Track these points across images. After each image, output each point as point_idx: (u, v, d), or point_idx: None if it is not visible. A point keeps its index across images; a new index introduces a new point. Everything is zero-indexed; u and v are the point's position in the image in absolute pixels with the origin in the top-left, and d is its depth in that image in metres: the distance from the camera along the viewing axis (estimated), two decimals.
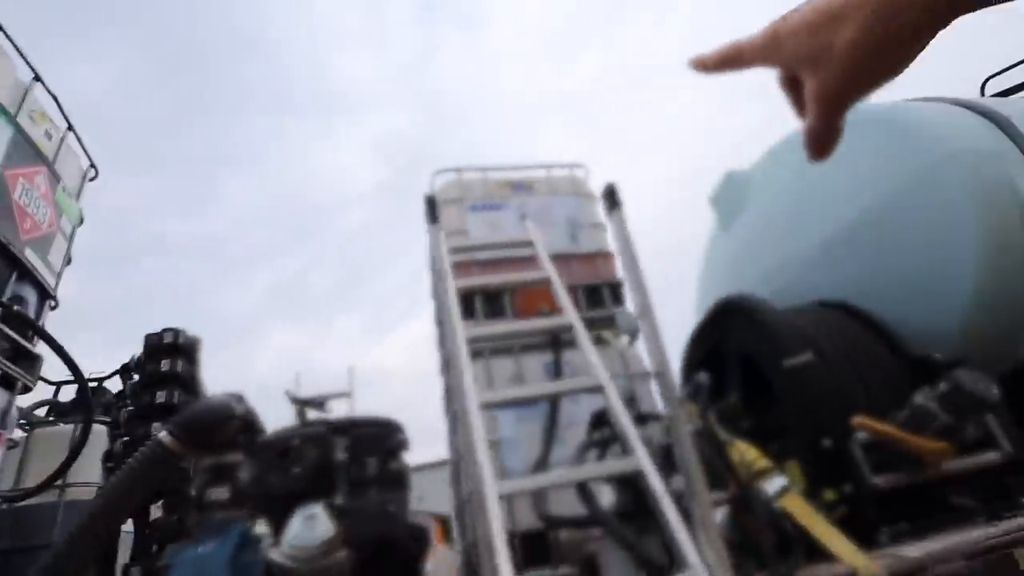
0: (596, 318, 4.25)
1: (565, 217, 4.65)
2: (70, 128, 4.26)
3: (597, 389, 2.34)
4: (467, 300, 4.46)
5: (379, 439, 2.11)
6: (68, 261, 4.23)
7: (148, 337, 3.31)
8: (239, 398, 2.57)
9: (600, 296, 4.35)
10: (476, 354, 4.47)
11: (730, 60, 0.51)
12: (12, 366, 3.43)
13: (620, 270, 4.68)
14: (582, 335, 2.65)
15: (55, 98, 4.09)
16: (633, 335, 4.42)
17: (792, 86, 0.49)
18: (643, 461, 1.96)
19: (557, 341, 3.98)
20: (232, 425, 2.43)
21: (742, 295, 3.38)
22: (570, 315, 2.79)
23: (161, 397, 3.09)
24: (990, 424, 2.40)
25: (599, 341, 4.06)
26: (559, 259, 4.71)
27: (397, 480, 2.07)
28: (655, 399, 4.08)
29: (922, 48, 0.41)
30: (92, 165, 4.61)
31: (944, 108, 3.65)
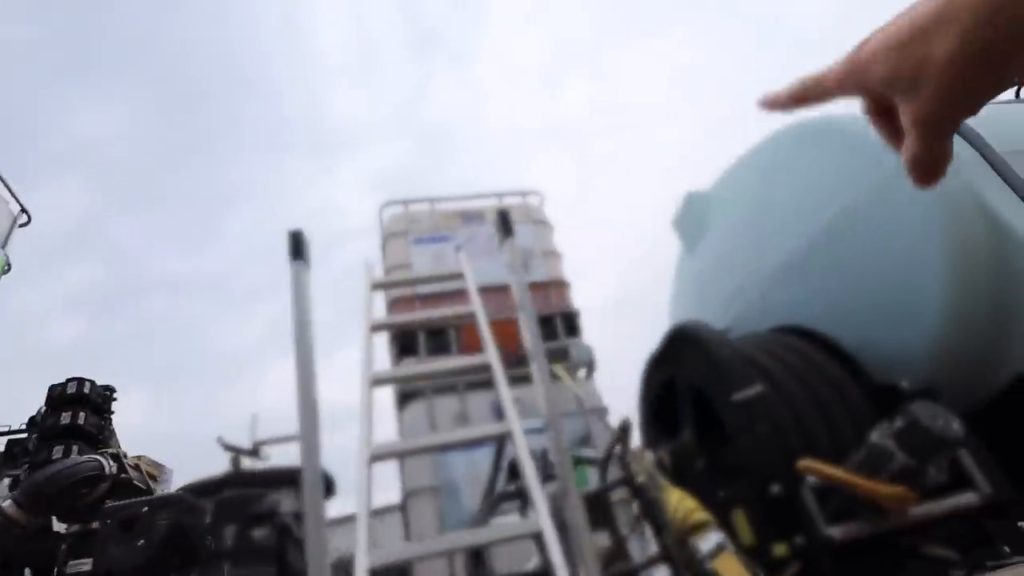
0: (547, 351, 3.97)
1: (516, 246, 4.44)
2: None
3: (503, 436, 2.05)
4: (410, 337, 4.21)
5: (245, 503, 1.81)
6: None
7: (51, 388, 3.03)
8: (106, 459, 2.28)
9: (553, 327, 4.09)
10: (416, 394, 4.19)
11: (808, 94, 0.46)
12: None
13: (573, 300, 4.44)
14: (499, 375, 2.37)
15: None
16: (589, 368, 4.14)
17: (881, 114, 0.44)
18: (543, 521, 1.66)
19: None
20: (88, 489, 2.13)
21: (691, 323, 3.12)
22: (489, 353, 2.52)
23: (58, 452, 2.79)
24: (964, 462, 2.11)
25: (550, 377, 3.78)
26: (508, 290, 4.48)
27: (258, 552, 1.76)
28: (608, 437, 3.77)
29: None
30: (23, 210, 4.42)
31: None
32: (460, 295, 4.38)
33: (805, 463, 1.95)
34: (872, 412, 2.57)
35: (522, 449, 1.96)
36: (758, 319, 3.64)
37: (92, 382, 3.11)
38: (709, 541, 1.86)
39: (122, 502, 1.83)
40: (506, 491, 2.08)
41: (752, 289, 3.86)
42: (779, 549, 2.01)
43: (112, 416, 3.21)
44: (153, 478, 3.14)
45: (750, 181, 4.09)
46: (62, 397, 2.96)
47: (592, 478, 3.49)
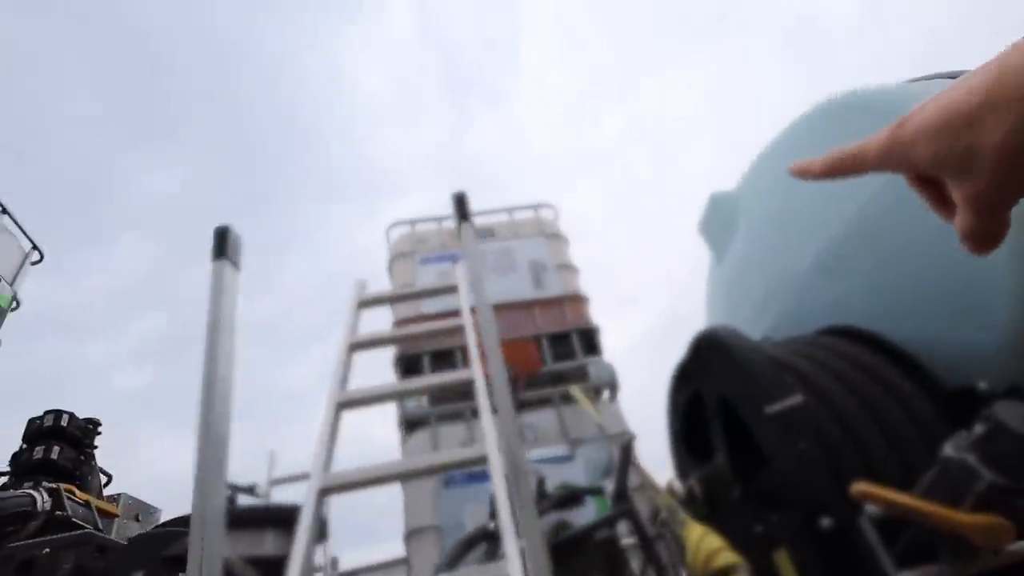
0: (563, 371, 3.62)
1: (528, 261, 4.15)
2: (3, 211, 4.14)
3: (479, 461, 1.72)
4: (414, 360, 3.94)
5: (159, 544, 1.53)
6: None
7: (29, 422, 2.90)
8: (40, 494, 2.06)
9: (569, 345, 3.74)
10: (420, 423, 3.88)
11: (846, 166, 0.47)
12: None
13: (592, 315, 4.07)
14: (482, 394, 2.05)
15: None
16: (612, 389, 3.73)
17: (927, 185, 0.45)
18: (512, 570, 1.32)
19: (515, 403, 3.35)
20: (16, 527, 1.90)
21: (715, 327, 2.73)
22: (473, 369, 2.21)
23: (28, 487, 2.62)
24: None
25: (565, 399, 3.42)
26: (520, 307, 4.19)
27: None
28: (640, 467, 3.34)
29: None
30: (35, 247, 4.46)
31: (943, 86, 3.05)
32: (470, 315, 4.11)
33: (861, 487, 1.55)
34: (944, 422, 2.11)
35: (497, 478, 1.62)
36: (795, 326, 3.20)
37: (71, 415, 2.97)
38: None
39: (22, 543, 1.58)
40: (475, 533, 1.73)
41: (786, 292, 3.43)
42: None
43: (94, 450, 3.05)
44: (135, 518, 2.94)
45: (776, 171, 3.71)
46: (38, 431, 2.83)
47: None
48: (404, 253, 4.31)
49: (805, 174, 0.49)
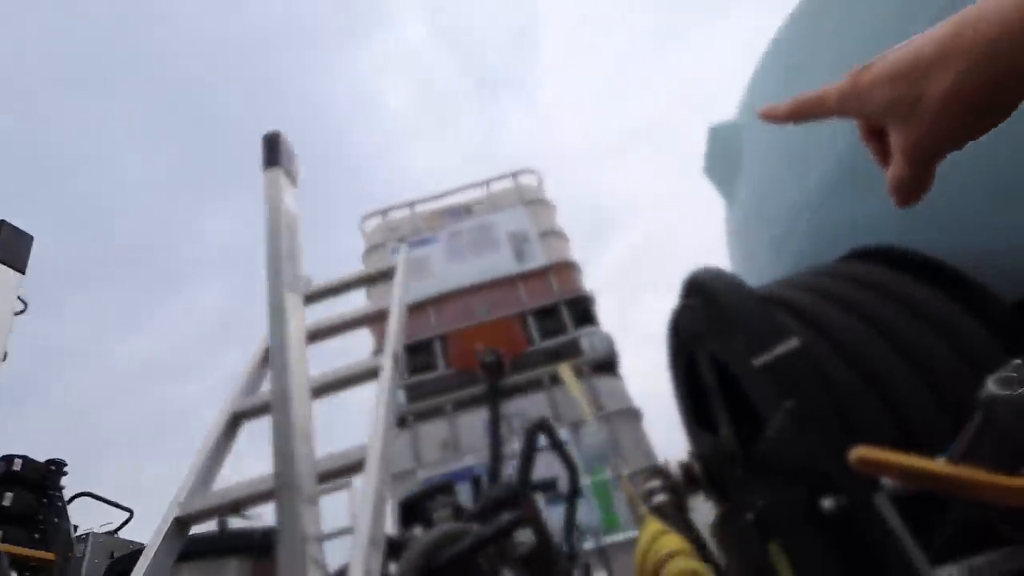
0: (554, 348, 3.20)
1: (508, 234, 3.74)
2: None
3: (359, 466, 1.35)
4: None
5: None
6: None
7: None
8: None
9: (558, 318, 3.32)
10: (401, 421, 3.55)
11: (808, 110, 0.50)
12: None
13: (583, 283, 3.60)
14: (386, 380, 1.67)
15: None
16: (610, 360, 3.27)
17: (875, 136, 0.49)
18: None
19: (495, 391, 2.96)
20: None
21: (696, 271, 2.23)
22: (387, 352, 1.83)
23: None
24: None
25: (556, 380, 3.00)
26: (503, 284, 3.79)
27: None
28: (641, 442, 2.88)
29: (1020, 100, 0.40)
30: (19, 298, 4.43)
31: None
32: (445, 300, 3.76)
33: (861, 453, 1.07)
34: (1003, 350, 1.58)
35: (370, 483, 1.24)
36: (814, 255, 2.65)
37: (25, 458, 2.81)
38: None
39: None
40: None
41: (801, 224, 2.86)
42: None
43: (59, 492, 2.90)
44: (109, 555, 2.76)
45: (775, 82, 3.13)
46: None
47: (620, 506, 2.67)
48: (377, 244, 4.00)
49: (771, 118, 0.51)
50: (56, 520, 2.84)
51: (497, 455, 2.26)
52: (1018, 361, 1.05)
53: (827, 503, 1.25)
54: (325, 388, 1.76)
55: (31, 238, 2.90)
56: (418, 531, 1.42)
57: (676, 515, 1.89)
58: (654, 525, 1.41)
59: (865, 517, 1.19)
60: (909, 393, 1.53)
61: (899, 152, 0.44)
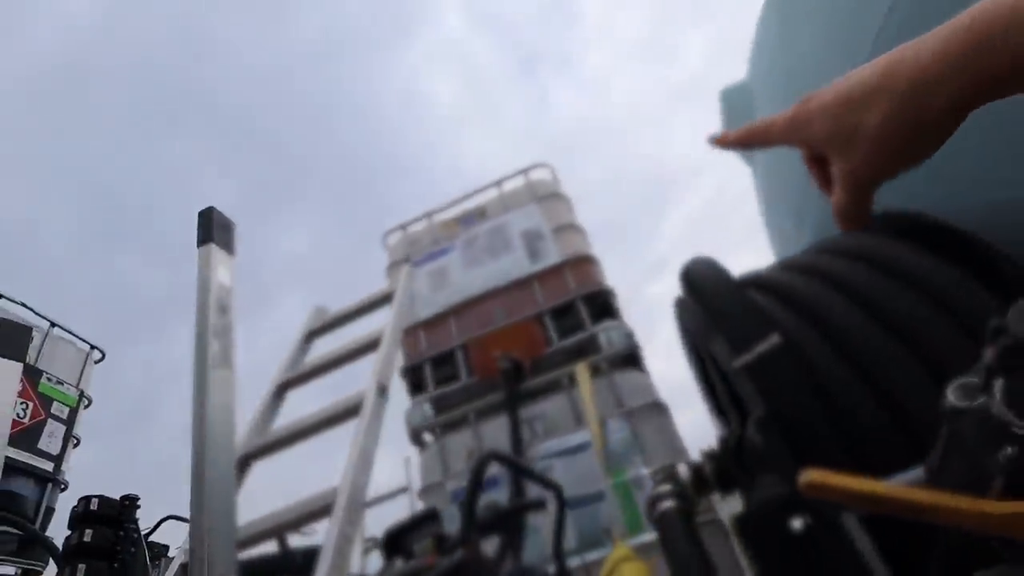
0: (573, 347, 3.12)
1: (521, 233, 3.69)
2: (53, 325, 4.59)
3: (326, 510, 1.39)
4: (417, 371, 3.66)
5: None
6: (76, 442, 4.44)
7: (72, 510, 3.11)
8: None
9: (575, 315, 3.24)
10: (419, 437, 3.59)
11: (755, 138, 0.52)
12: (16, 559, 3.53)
13: (601, 277, 3.49)
14: (368, 410, 1.69)
15: (24, 304, 4.42)
16: (632, 355, 3.16)
17: (817, 164, 0.50)
18: None
19: (514, 397, 2.96)
20: None
21: (688, 264, 2.11)
22: (369, 386, 1.86)
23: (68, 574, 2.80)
24: None
25: (574, 381, 2.94)
26: (519, 286, 3.72)
27: None
28: (668, 438, 2.77)
29: (948, 134, 0.42)
30: (94, 347, 4.92)
31: None
32: (463, 310, 3.77)
33: (810, 478, 0.99)
34: None
35: (335, 527, 1.28)
36: (830, 224, 2.44)
37: (100, 497, 3.13)
38: None
39: None
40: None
41: (814, 185, 2.63)
42: None
43: (135, 524, 3.21)
44: None
45: (777, 40, 2.88)
46: (74, 517, 3.03)
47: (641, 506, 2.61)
48: (399, 260, 4.08)
49: (723, 143, 0.52)
50: (133, 550, 3.14)
51: (520, 470, 2.26)
52: (985, 362, 0.92)
53: (795, 523, 1.17)
54: (303, 433, 1.83)
55: (29, 329, 3.26)
56: (398, 564, 1.45)
57: (682, 526, 1.83)
58: (621, 551, 1.36)
59: (833, 539, 1.10)
60: (909, 389, 1.38)
61: (838, 181, 0.46)
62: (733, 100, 3.66)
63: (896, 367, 1.43)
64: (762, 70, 3.24)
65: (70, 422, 4.45)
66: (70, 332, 4.82)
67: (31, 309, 4.51)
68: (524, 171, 4.22)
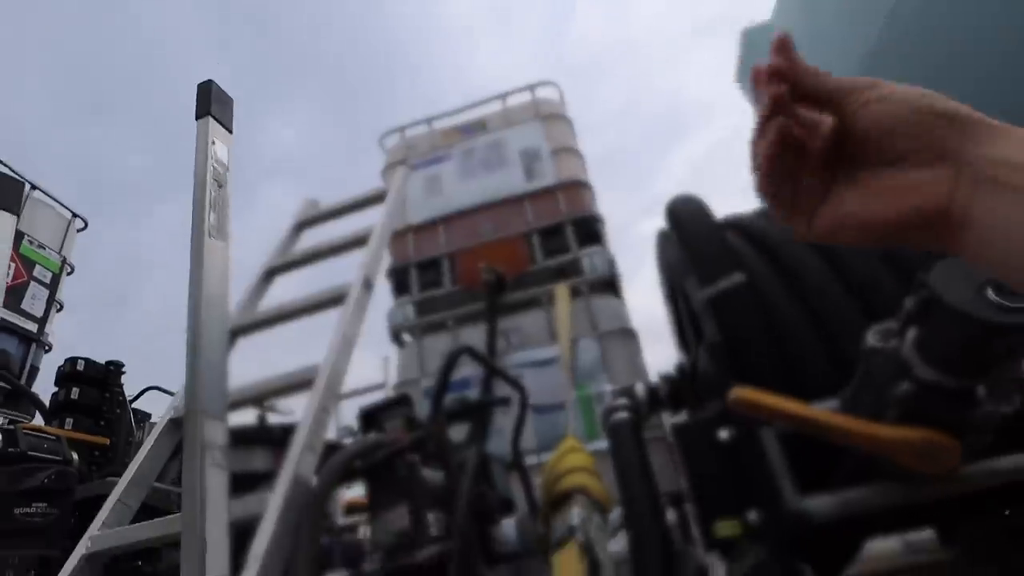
0: (555, 267, 3.24)
1: (520, 150, 3.67)
2: (33, 187, 4.50)
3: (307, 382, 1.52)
4: (402, 273, 3.77)
5: (11, 480, 1.55)
6: (59, 307, 4.53)
7: (58, 369, 3.28)
8: None
9: (562, 238, 3.33)
10: (399, 336, 3.77)
11: (803, 76, 0.41)
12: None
13: (592, 204, 3.55)
14: (350, 305, 1.79)
15: (2, 162, 4.29)
16: (611, 281, 3.29)
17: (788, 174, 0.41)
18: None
19: (493, 308, 3.10)
20: None
21: (675, 197, 2.18)
22: (356, 278, 1.95)
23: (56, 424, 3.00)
24: None
25: (552, 299, 3.08)
26: (511, 203, 3.77)
27: (24, 532, 1.48)
28: (633, 362, 2.97)
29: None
30: (75, 215, 4.87)
31: None
32: (454, 220, 3.83)
33: (738, 394, 1.14)
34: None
35: (315, 399, 1.41)
36: None
37: (86, 360, 3.29)
38: (570, 519, 1.18)
39: None
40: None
41: None
42: (724, 528, 1.26)
43: (120, 388, 3.40)
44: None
45: None
46: (62, 375, 3.19)
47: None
48: (396, 163, 4.05)
49: (759, 78, 0.41)
50: (118, 411, 3.34)
51: (490, 368, 2.43)
52: (905, 310, 1.04)
53: (723, 433, 1.33)
54: (289, 314, 1.93)
55: (22, 184, 3.19)
56: (371, 437, 1.61)
57: (630, 436, 2.02)
58: (570, 441, 1.53)
59: (751, 449, 1.27)
60: (848, 332, 1.52)
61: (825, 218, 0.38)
62: (754, 40, 3.61)
63: (840, 312, 1.56)
64: (787, 10, 3.14)
65: (53, 287, 4.51)
66: (51, 197, 4.76)
67: (9, 167, 4.40)
68: (530, 87, 4.12)
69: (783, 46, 0.40)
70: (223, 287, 1.26)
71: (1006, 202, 0.31)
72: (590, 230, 3.45)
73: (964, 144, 0.33)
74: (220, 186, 1.36)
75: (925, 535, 2.66)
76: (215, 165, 1.38)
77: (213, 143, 1.39)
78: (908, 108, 0.35)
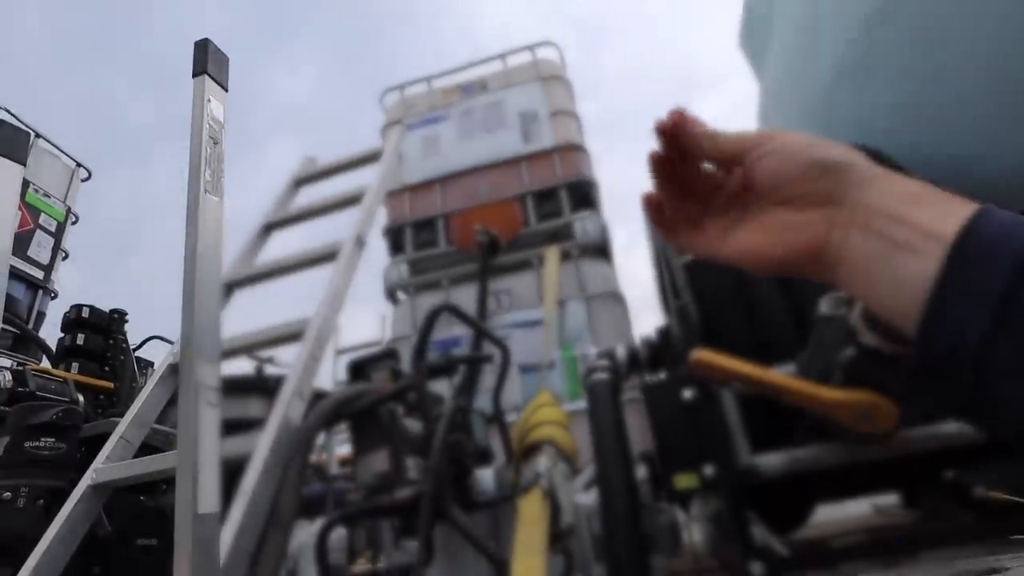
0: (548, 231, 3.29)
1: (518, 112, 3.66)
2: (37, 136, 4.49)
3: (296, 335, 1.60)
4: (398, 233, 3.82)
5: (22, 415, 1.65)
6: (64, 255, 4.60)
7: (64, 316, 3.38)
8: (2, 374, 2.37)
9: (556, 202, 3.35)
10: (394, 295, 3.85)
11: (699, 139, 0.45)
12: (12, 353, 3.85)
13: (589, 168, 3.55)
14: (344, 260, 1.85)
15: (7, 110, 4.28)
16: (602, 246, 3.34)
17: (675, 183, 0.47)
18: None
19: (486, 269, 3.16)
20: None
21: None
22: (348, 236, 2.00)
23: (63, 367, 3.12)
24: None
25: (542, 261, 3.14)
26: (507, 165, 3.78)
27: (34, 463, 1.59)
28: (620, 327, 3.05)
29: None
30: (79, 165, 4.88)
31: None
32: (450, 181, 3.84)
33: (697, 356, 1.20)
34: None
35: (305, 349, 1.49)
36: None
37: (91, 307, 3.38)
38: (536, 467, 1.27)
39: None
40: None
41: (813, 112, 2.65)
42: (682, 480, 1.35)
43: (124, 335, 3.51)
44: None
45: None
46: (67, 322, 3.29)
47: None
48: (395, 122, 4.04)
49: (663, 130, 0.45)
50: (122, 358, 3.45)
51: (480, 328, 2.51)
52: None
53: (687, 393, 1.41)
54: (284, 269, 2.00)
55: (28, 134, 3.21)
56: (357, 386, 1.70)
57: (608, 395, 2.11)
58: (543, 396, 1.61)
59: (711, 409, 1.35)
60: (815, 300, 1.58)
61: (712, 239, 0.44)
62: (756, 6, 3.50)
63: (811, 281, 1.61)
64: None
65: (58, 236, 4.56)
66: (55, 146, 4.76)
67: (14, 116, 4.40)
68: (531, 47, 4.05)
69: (681, 121, 0.44)
70: (217, 241, 1.31)
71: (871, 245, 0.35)
72: (584, 194, 3.47)
73: (843, 191, 0.37)
74: (216, 143, 1.41)
75: (891, 499, 2.79)
76: (211, 123, 1.41)
77: (209, 101, 1.42)
78: (792, 162, 0.39)
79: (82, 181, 5.01)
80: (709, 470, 1.30)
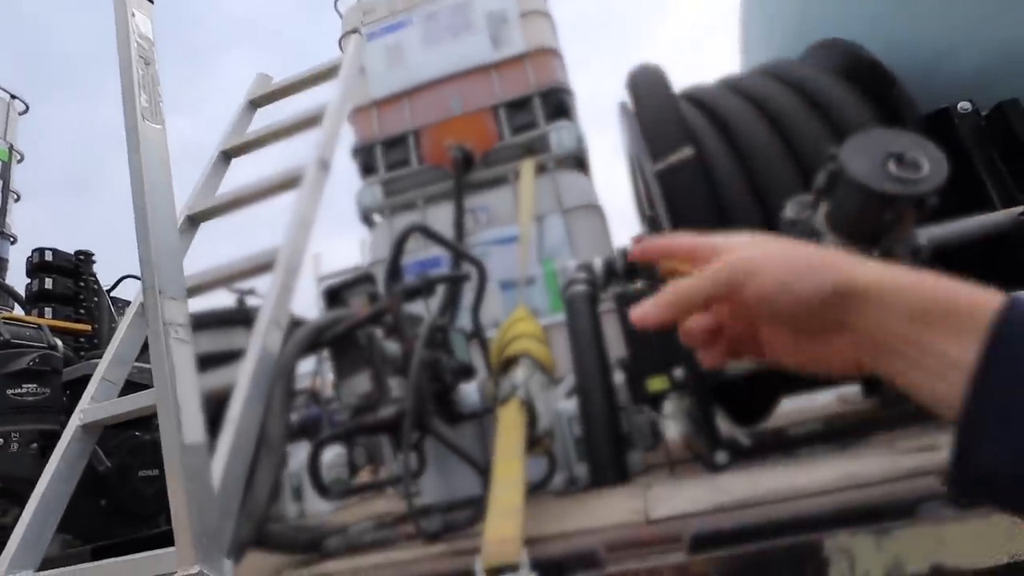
0: (524, 143, 3.18)
1: (486, 13, 3.41)
2: None
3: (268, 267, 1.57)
4: (366, 153, 3.67)
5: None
6: (16, 197, 4.38)
7: (27, 260, 3.28)
8: None
9: (530, 111, 3.22)
10: (369, 218, 3.78)
11: (680, 307, 0.45)
12: None
13: (562, 73, 3.38)
14: (306, 188, 1.79)
15: None
16: (579, 157, 3.26)
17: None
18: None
19: (461, 187, 3.09)
20: None
21: (636, 67, 2.10)
22: (311, 160, 1.92)
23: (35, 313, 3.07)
24: None
25: (518, 175, 3.07)
26: (477, 74, 3.59)
27: (16, 409, 1.62)
28: (599, 238, 3.05)
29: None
30: (15, 97, 4.52)
31: None
32: (418, 91, 3.65)
33: (640, 245, 1.20)
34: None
35: (277, 279, 1.48)
36: (801, 37, 2.39)
37: (53, 250, 3.28)
38: (514, 379, 1.32)
39: None
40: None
41: (790, 10, 2.50)
42: (655, 383, 1.41)
43: (93, 276, 3.44)
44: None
45: None
46: (31, 267, 3.21)
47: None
48: (351, 30, 3.75)
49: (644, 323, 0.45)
50: (96, 300, 3.41)
51: (453, 247, 2.50)
52: (817, 184, 1.09)
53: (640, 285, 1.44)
54: (247, 199, 1.93)
55: None
56: (333, 312, 1.71)
57: (586, 306, 2.15)
58: (520, 311, 1.64)
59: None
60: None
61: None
62: None
63: (784, 187, 1.61)
64: None
65: (5, 176, 4.32)
66: None
67: None
68: None
69: (649, 250, 0.49)
70: (164, 171, 1.25)
71: (897, 364, 0.36)
72: (559, 103, 3.33)
73: (846, 319, 0.37)
74: (147, 64, 1.31)
75: (853, 389, 2.98)
76: (139, 41, 1.31)
77: (133, 15, 1.30)
78: (781, 303, 0.39)
79: (20, 115, 4.68)
80: (679, 372, 1.35)
